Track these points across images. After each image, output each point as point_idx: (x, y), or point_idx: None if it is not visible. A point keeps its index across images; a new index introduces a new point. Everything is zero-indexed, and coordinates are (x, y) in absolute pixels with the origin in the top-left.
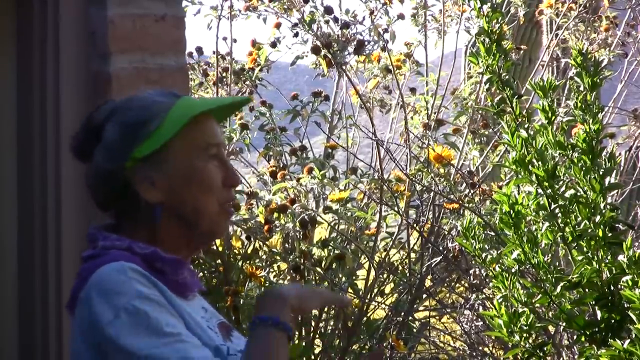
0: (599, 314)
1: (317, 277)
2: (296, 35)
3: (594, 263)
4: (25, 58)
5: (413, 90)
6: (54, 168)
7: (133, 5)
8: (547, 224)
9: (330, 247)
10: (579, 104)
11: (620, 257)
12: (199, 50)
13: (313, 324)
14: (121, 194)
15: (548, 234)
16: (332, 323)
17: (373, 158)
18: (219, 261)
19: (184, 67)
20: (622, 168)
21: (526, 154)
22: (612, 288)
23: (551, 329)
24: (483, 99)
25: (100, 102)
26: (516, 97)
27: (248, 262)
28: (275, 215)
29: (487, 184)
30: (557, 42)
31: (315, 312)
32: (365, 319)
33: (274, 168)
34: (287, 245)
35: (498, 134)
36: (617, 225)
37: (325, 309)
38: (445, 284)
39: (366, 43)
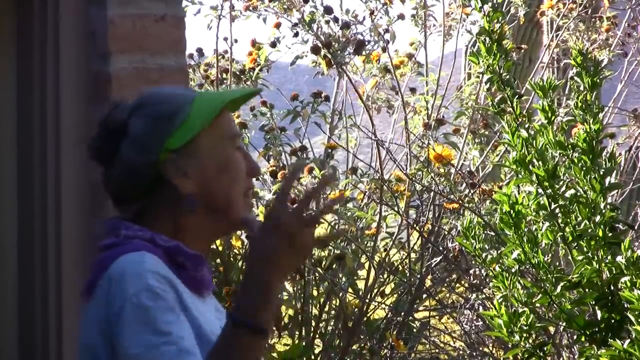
0: (599, 314)
1: (317, 277)
2: (296, 35)
3: (594, 263)
4: (25, 58)
5: (413, 90)
6: (54, 168)
7: (133, 5)
8: (547, 224)
9: (330, 247)
10: (579, 104)
11: (619, 258)
12: (200, 51)
13: (313, 323)
14: (150, 187)
15: (548, 234)
16: (332, 323)
17: (373, 158)
18: (219, 261)
19: (184, 67)
20: (622, 168)
21: (526, 154)
22: (612, 288)
23: (551, 329)
24: (483, 99)
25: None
26: (516, 97)
27: None
28: None
29: (487, 184)
30: (558, 43)
31: (315, 312)
32: (365, 319)
33: (274, 168)
34: None
35: (498, 134)
36: (617, 225)
37: (326, 309)
38: (445, 284)
39: (366, 43)
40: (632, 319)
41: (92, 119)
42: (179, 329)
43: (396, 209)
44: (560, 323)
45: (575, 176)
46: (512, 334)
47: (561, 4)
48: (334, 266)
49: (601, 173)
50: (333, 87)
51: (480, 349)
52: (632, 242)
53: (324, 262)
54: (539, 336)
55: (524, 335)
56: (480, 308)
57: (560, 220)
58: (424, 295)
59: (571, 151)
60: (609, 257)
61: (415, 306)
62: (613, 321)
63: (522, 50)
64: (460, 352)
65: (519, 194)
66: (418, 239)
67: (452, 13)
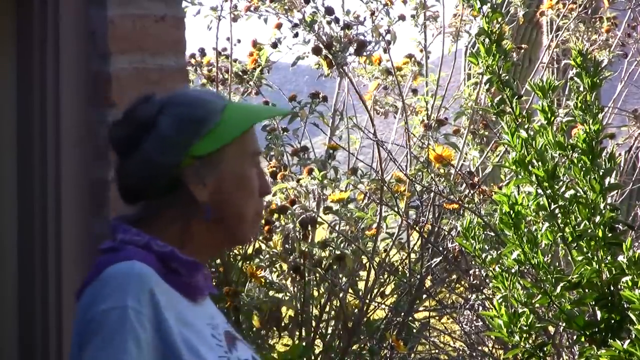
0: (598, 315)
1: (317, 278)
2: (296, 35)
3: (594, 263)
4: (25, 58)
5: (415, 92)
6: (54, 168)
7: (133, 6)
8: (547, 224)
9: (330, 248)
10: (579, 105)
11: (620, 258)
12: (202, 51)
13: (313, 324)
14: (165, 189)
15: (548, 235)
16: (332, 323)
17: (373, 159)
18: (219, 261)
19: (184, 68)
20: (622, 168)
21: (526, 155)
22: (612, 288)
23: (551, 329)
24: (483, 100)
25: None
26: (516, 97)
27: (248, 262)
28: (276, 215)
29: (487, 185)
30: (557, 43)
31: (315, 312)
32: (365, 319)
33: (274, 168)
34: (287, 245)
35: (498, 134)
36: (617, 225)
37: (326, 310)
38: (445, 285)
39: (367, 44)
40: (633, 318)
41: (92, 119)
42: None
43: (396, 209)
44: (560, 323)
45: (575, 176)
46: (512, 334)
47: (561, 4)
48: (334, 267)
49: (601, 173)
50: (333, 87)
51: (480, 349)
52: (632, 242)
53: (324, 263)
54: (539, 336)
55: (524, 335)
56: (480, 308)
57: (560, 221)
58: (424, 296)
59: (571, 152)
60: (609, 258)
61: (415, 306)
62: (613, 321)
63: (522, 51)
64: (460, 352)
65: (518, 194)
66: (418, 239)
67: (459, 15)
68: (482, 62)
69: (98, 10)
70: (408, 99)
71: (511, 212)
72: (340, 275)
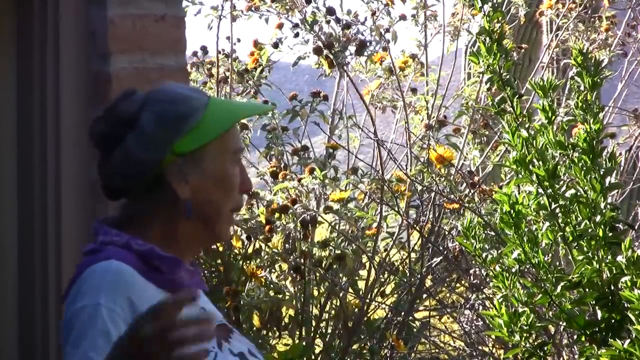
0: (599, 314)
1: (317, 277)
2: (297, 35)
3: (594, 263)
4: (25, 58)
5: (414, 91)
6: (54, 168)
7: (133, 6)
8: (547, 223)
9: (330, 247)
10: (580, 104)
11: (620, 258)
12: (204, 49)
13: (313, 323)
14: (147, 186)
15: (548, 234)
16: (332, 323)
17: (374, 158)
18: (219, 261)
19: (184, 67)
20: (622, 168)
21: (527, 154)
22: (612, 288)
23: (551, 328)
24: (484, 99)
25: (101, 99)
26: (516, 96)
27: (248, 262)
28: (277, 215)
29: (488, 184)
30: (557, 42)
31: (315, 312)
32: (365, 319)
33: (274, 168)
34: (287, 245)
35: (498, 133)
36: (617, 225)
37: (326, 309)
38: (446, 284)
39: (368, 44)
40: (633, 318)
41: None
42: (100, 356)
43: (396, 209)
44: (561, 323)
45: (575, 176)
46: (512, 334)
47: (560, 4)
48: (334, 266)
49: (601, 173)
50: (334, 87)
51: (480, 348)
52: (632, 241)
53: (324, 262)
54: (539, 336)
55: (524, 335)
56: (481, 308)
57: (560, 220)
58: (424, 295)
59: (571, 151)
60: (609, 257)
61: (415, 306)
62: (613, 321)
63: (522, 50)
64: (461, 352)
65: (519, 193)
66: (418, 239)
67: (458, 14)
68: (483, 61)
69: (98, 10)
70: (407, 98)
71: (512, 211)
72: (341, 275)
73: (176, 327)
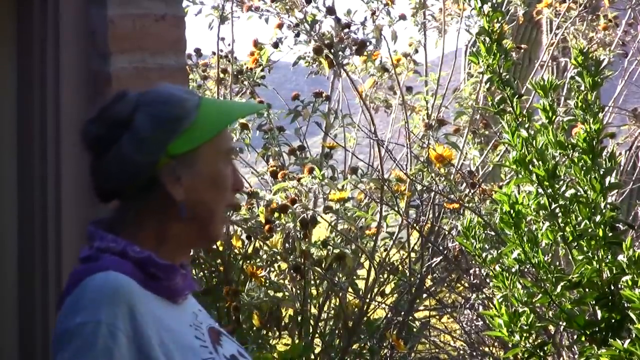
0: (599, 314)
1: (317, 277)
2: (297, 35)
3: (594, 263)
4: (25, 58)
5: (409, 89)
6: (54, 168)
7: (133, 5)
8: (547, 223)
9: (330, 247)
10: (580, 104)
11: (620, 257)
12: (198, 52)
13: (313, 323)
14: (141, 188)
15: (548, 234)
16: (332, 323)
17: (372, 158)
18: (219, 261)
19: (184, 67)
20: (622, 168)
21: (526, 154)
22: (612, 288)
23: (551, 328)
24: (483, 99)
25: (101, 99)
26: (516, 96)
27: (248, 262)
28: (276, 215)
29: (487, 184)
30: (557, 42)
31: (315, 312)
32: (365, 318)
33: (274, 168)
34: (287, 245)
35: (498, 133)
36: (617, 225)
37: (326, 309)
38: (446, 284)
39: (368, 44)
40: (634, 317)
41: None
42: None
43: (396, 208)
44: (561, 323)
45: (575, 176)
46: (512, 334)
47: (559, 3)
48: (333, 266)
49: (601, 173)
50: (329, 86)
51: (480, 348)
52: (632, 241)
53: (323, 262)
54: (539, 336)
55: (524, 335)
56: (480, 308)
57: (560, 220)
58: (424, 295)
59: (571, 151)
60: (609, 257)
61: (415, 306)
62: (613, 321)
63: (522, 50)
64: (460, 352)
65: (519, 193)
66: (418, 238)
67: (447, 9)
68: (482, 61)
69: (98, 10)
70: (406, 97)
71: (511, 211)
72: (340, 275)
73: None
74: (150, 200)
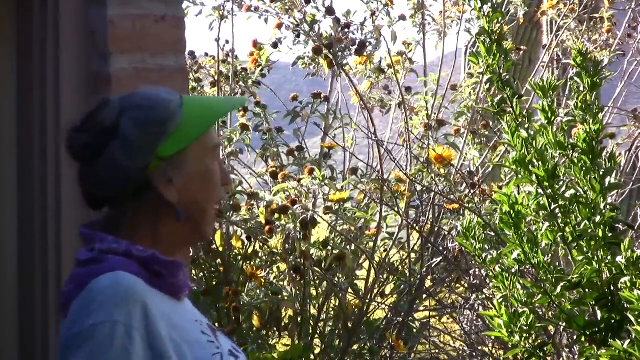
0: (599, 314)
1: (316, 278)
2: (297, 35)
3: (594, 263)
4: (26, 58)
5: (408, 90)
6: (54, 168)
7: (133, 6)
8: (547, 224)
9: (330, 248)
10: (579, 104)
11: (619, 258)
12: (192, 54)
13: (313, 324)
14: (132, 192)
15: (548, 234)
16: (332, 323)
17: (371, 158)
18: (219, 261)
19: (184, 68)
20: (622, 168)
21: (526, 154)
22: (612, 288)
23: (551, 329)
24: (483, 99)
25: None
26: (516, 97)
27: (248, 262)
28: (276, 216)
29: (487, 184)
30: (557, 43)
31: (314, 312)
32: (365, 319)
33: (274, 169)
34: (287, 245)
35: (498, 134)
36: (617, 225)
37: (325, 309)
38: (445, 284)
39: (367, 44)
40: (632, 319)
41: None
42: None
43: (396, 209)
44: (561, 323)
45: (575, 176)
46: (512, 334)
47: (562, 4)
48: (333, 266)
49: (601, 173)
50: (328, 87)
51: (480, 349)
52: (632, 242)
53: (323, 263)
54: (539, 336)
55: (524, 335)
56: (480, 308)
57: (560, 221)
58: (424, 296)
59: (571, 151)
60: (609, 257)
61: (415, 306)
62: (613, 321)
63: (522, 51)
64: (461, 352)
65: (519, 194)
66: (418, 239)
67: (447, 11)
68: (482, 61)
69: (98, 10)
70: (405, 97)
71: (511, 211)
72: (340, 275)
73: None
74: (143, 203)
